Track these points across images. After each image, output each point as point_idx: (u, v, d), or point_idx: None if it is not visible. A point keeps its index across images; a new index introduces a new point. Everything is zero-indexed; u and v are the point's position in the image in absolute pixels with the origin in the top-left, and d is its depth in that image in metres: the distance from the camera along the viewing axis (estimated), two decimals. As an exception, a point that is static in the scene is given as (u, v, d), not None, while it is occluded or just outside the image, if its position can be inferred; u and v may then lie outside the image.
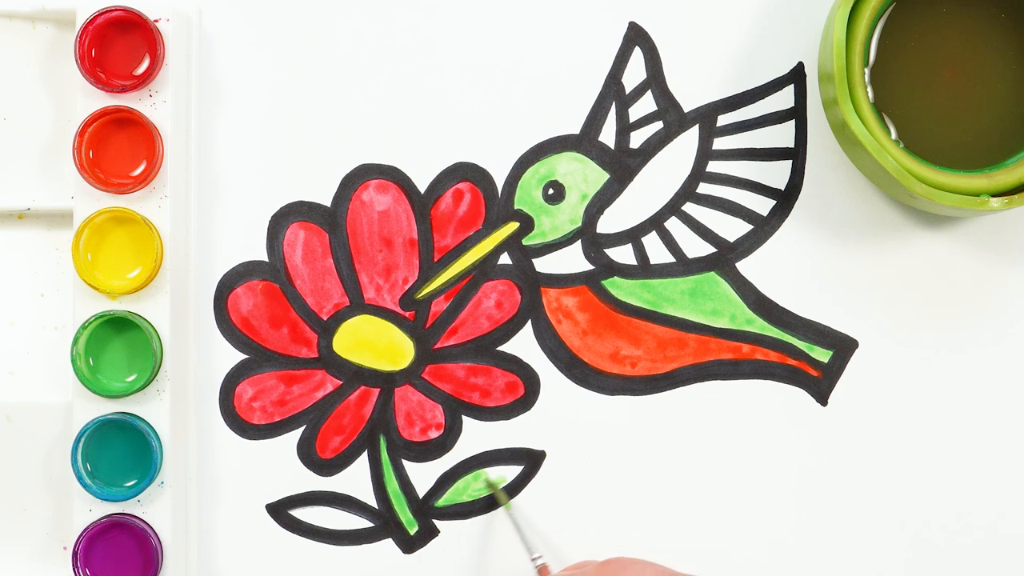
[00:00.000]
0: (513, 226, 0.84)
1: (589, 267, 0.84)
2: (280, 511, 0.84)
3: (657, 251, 0.84)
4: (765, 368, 0.83)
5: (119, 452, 0.81)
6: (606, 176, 0.84)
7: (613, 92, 0.84)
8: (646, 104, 0.84)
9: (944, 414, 0.83)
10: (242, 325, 0.84)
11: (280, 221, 0.84)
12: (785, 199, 0.84)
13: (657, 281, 0.84)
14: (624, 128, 0.84)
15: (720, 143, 0.84)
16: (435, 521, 0.83)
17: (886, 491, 0.83)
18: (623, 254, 0.84)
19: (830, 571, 0.83)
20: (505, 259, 0.84)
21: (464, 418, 0.84)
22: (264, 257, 0.84)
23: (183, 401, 0.82)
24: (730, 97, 0.84)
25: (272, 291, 0.84)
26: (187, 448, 0.82)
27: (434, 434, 0.84)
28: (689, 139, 0.84)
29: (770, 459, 0.83)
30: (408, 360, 0.84)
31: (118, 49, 0.82)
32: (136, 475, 0.81)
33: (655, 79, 0.84)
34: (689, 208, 0.84)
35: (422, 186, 0.84)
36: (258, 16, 0.84)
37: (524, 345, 0.84)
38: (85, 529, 0.80)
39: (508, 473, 0.83)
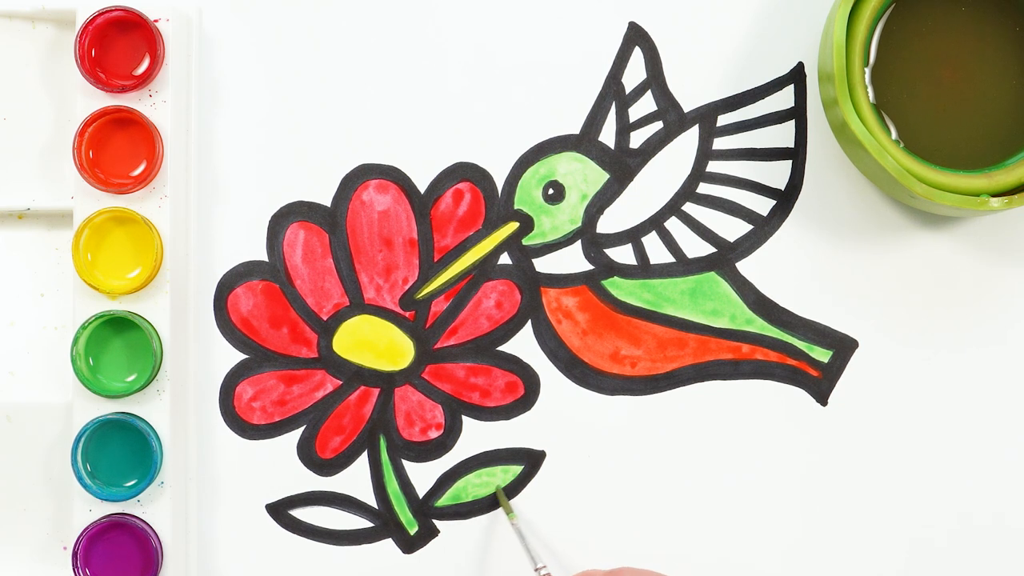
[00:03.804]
0: (513, 226, 0.84)
1: (589, 267, 0.84)
2: (280, 511, 0.84)
3: (657, 251, 0.84)
4: (765, 368, 0.83)
5: (119, 452, 0.81)
6: (606, 176, 0.84)
7: (613, 92, 0.84)
8: (646, 104, 0.84)
9: (944, 414, 0.83)
10: (242, 325, 0.84)
11: (280, 221, 0.84)
12: (785, 199, 0.84)
13: (657, 281, 0.84)
14: (624, 128, 0.84)
15: (720, 143, 0.84)
16: (435, 521, 0.83)
17: (886, 491, 0.83)
18: (623, 254, 0.84)
19: (831, 571, 0.83)
20: (505, 259, 0.84)
21: (464, 418, 0.84)
22: (264, 257, 0.84)
23: (183, 401, 0.82)
24: (730, 97, 0.84)
25: (272, 291, 0.84)
26: (187, 448, 0.82)
27: (434, 434, 0.84)
28: (689, 139, 0.84)
29: (770, 459, 0.83)
30: (408, 360, 0.84)
31: (118, 49, 0.82)
32: (136, 475, 0.81)
33: (655, 79, 0.84)
34: (689, 208, 0.84)
35: (422, 186, 0.84)
36: (258, 16, 0.84)
37: (524, 345, 0.84)
38: (85, 529, 0.80)
39: (508, 473, 0.83)
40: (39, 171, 0.83)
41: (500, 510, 0.83)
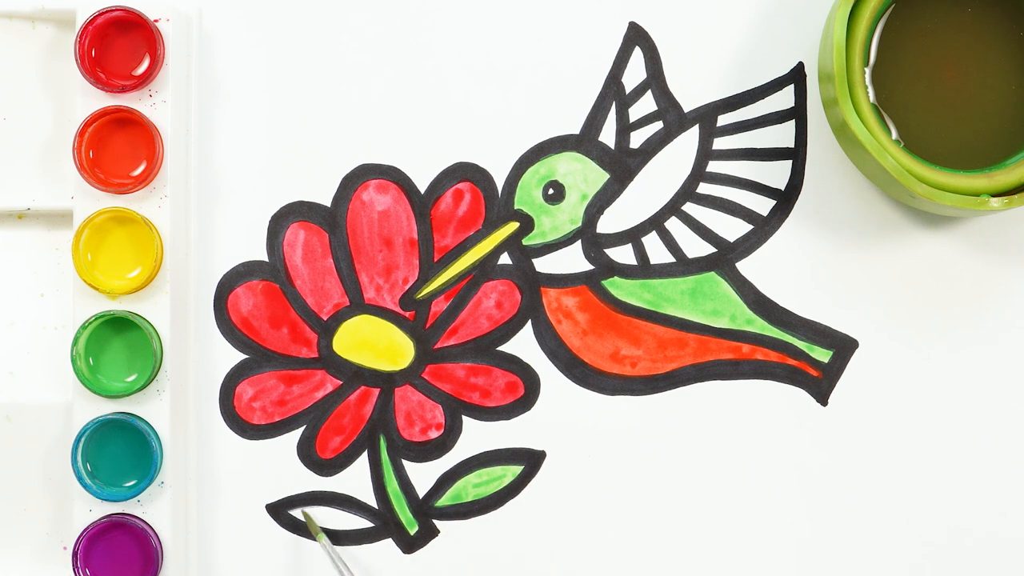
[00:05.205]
0: (513, 226, 0.84)
1: (589, 267, 0.84)
2: (280, 511, 0.84)
3: (657, 251, 0.84)
4: (765, 368, 0.83)
5: (119, 452, 0.81)
6: (606, 176, 0.84)
7: (613, 92, 0.84)
8: (646, 104, 0.84)
9: (944, 414, 0.83)
10: (242, 325, 0.84)
11: (280, 221, 0.84)
12: (785, 199, 0.84)
13: (657, 281, 0.84)
14: (624, 128, 0.84)
15: (720, 143, 0.84)
16: (435, 521, 0.83)
17: (887, 491, 0.83)
18: (623, 254, 0.84)
19: (831, 571, 0.83)
20: (505, 259, 0.84)
21: (464, 418, 0.84)
22: (264, 257, 0.84)
23: (183, 401, 0.82)
24: (730, 97, 0.84)
25: (272, 291, 0.84)
26: (187, 448, 0.82)
27: (434, 434, 0.84)
28: (689, 139, 0.84)
29: (770, 459, 0.83)
30: (408, 360, 0.84)
31: (118, 49, 0.82)
32: (136, 475, 0.81)
33: (655, 79, 0.84)
34: (689, 208, 0.84)
35: (422, 186, 0.84)
36: (258, 16, 0.84)
37: (524, 345, 0.84)
38: (85, 529, 0.80)
39: (508, 473, 0.83)
40: (39, 171, 0.83)
41: (499, 511, 0.83)
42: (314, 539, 0.83)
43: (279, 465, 0.84)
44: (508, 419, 0.83)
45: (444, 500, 0.83)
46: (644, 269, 0.84)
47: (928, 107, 0.80)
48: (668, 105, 0.84)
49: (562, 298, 0.84)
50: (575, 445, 0.83)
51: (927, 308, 0.83)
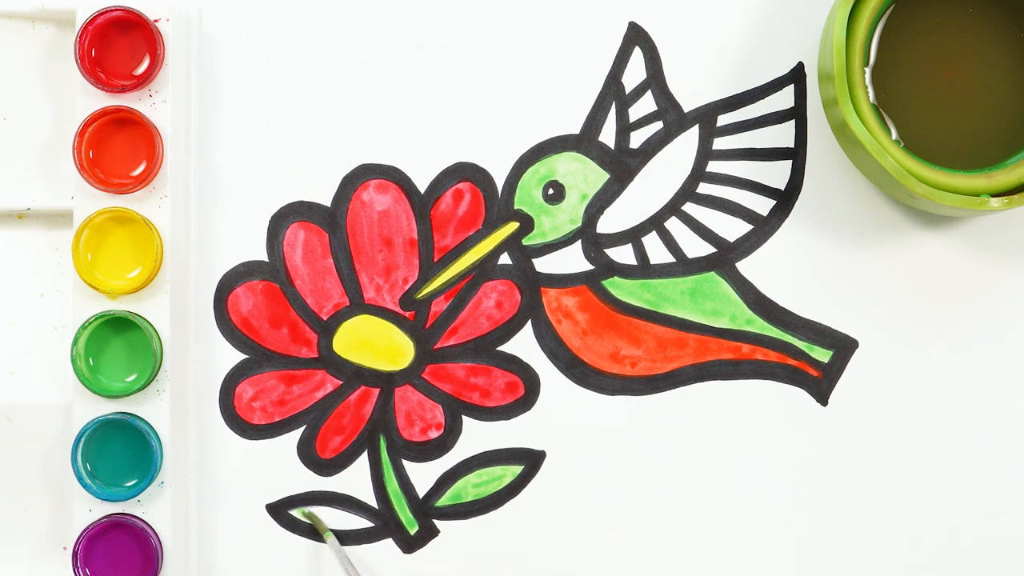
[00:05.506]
0: (513, 226, 0.84)
1: (589, 267, 0.84)
2: (280, 511, 0.84)
3: (657, 251, 0.84)
4: (765, 368, 0.83)
5: (119, 452, 0.81)
6: (606, 176, 0.84)
7: (613, 92, 0.84)
8: (646, 104, 0.84)
9: (944, 414, 0.83)
10: (242, 325, 0.84)
11: (280, 221, 0.84)
12: (785, 199, 0.84)
13: (657, 281, 0.84)
14: (624, 128, 0.84)
15: (720, 143, 0.84)
16: (435, 521, 0.83)
17: (887, 491, 0.83)
18: (623, 254, 0.84)
19: (831, 571, 0.83)
20: (505, 259, 0.84)
21: (464, 418, 0.84)
22: (264, 257, 0.84)
23: (183, 401, 0.82)
24: (730, 97, 0.84)
25: (272, 291, 0.84)
26: (187, 448, 0.82)
27: (434, 434, 0.84)
28: (689, 139, 0.84)
29: (770, 459, 0.83)
30: (408, 360, 0.84)
31: (118, 49, 0.82)
32: (136, 475, 0.81)
33: (655, 79, 0.84)
34: (689, 208, 0.84)
35: (422, 186, 0.84)
36: (258, 16, 0.84)
37: (524, 345, 0.84)
38: (85, 529, 0.80)
39: (508, 473, 0.83)
40: (39, 171, 0.83)
41: (499, 511, 0.83)
42: (321, 539, 0.83)
43: (279, 465, 0.84)
44: (508, 419, 0.83)
45: (444, 500, 0.84)
46: (644, 269, 0.84)
47: (928, 107, 0.80)
48: (668, 105, 0.84)
49: (562, 298, 0.84)
50: (575, 445, 0.83)
51: (927, 308, 0.83)
